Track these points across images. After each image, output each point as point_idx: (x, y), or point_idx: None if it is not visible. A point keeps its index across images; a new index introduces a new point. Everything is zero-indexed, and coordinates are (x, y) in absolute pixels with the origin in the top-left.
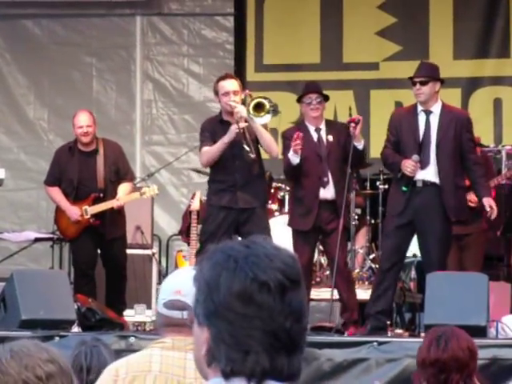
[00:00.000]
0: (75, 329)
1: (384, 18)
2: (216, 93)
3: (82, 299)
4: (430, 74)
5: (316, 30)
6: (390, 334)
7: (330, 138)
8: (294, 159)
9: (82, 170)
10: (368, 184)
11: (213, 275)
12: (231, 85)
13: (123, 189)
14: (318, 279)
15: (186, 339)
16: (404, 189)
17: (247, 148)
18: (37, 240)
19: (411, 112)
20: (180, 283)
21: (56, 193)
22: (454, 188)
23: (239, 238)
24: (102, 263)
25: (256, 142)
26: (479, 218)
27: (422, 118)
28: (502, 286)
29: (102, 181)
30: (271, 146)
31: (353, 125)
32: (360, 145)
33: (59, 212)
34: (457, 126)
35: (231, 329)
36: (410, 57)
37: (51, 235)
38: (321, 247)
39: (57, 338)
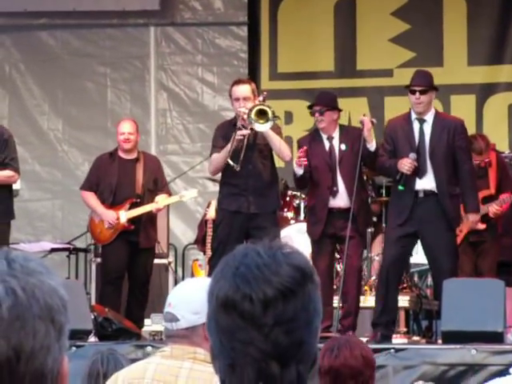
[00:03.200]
0: (92, 339)
1: (398, 25)
2: (230, 96)
3: (99, 309)
4: (429, 82)
5: (330, 38)
6: (406, 341)
7: (343, 146)
8: (298, 171)
9: (121, 176)
10: (384, 191)
11: (211, 284)
12: (242, 91)
13: (162, 196)
14: (334, 287)
15: (184, 348)
16: (400, 188)
17: (231, 162)
18: (53, 250)
19: (405, 120)
20: (171, 296)
21: (91, 198)
22: (448, 195)
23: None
24: (128, 274)
25: (268, 146)
26: (493, 225)
27: (416, 126)
28: None
29: (140, 187)
30: (283, 151)
31: (361, 126)
32: (371, 146)
33: (93, 217)
34: (449, 133)
35: (218, 341)
36: (424, 63)
37: (67, 245)
38: (337, 255)
39: (73, 348)
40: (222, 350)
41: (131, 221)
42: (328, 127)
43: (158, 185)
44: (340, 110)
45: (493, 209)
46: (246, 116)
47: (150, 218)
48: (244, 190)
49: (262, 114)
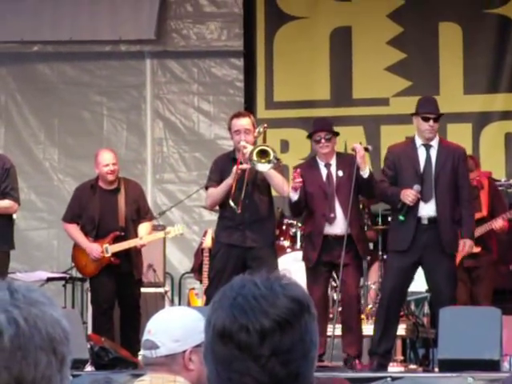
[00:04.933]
0: (88, 368)
1: (393, 54)
2: (229, 129)
3: (95, 338)
4: (439, 110)
5: (326, 67)
6: (403, 369)
7: (340, 173)
8: (293, 196)
9: (103, 208)
10: (380, 219)
11: (209, 313)
12: (243, 123)
13: (144, 228)
14: (330, 315)
15: (163, 377)
16: (401, 218)
17: (232, 204)
18: (49, 280)
19: (410, 146)
20: (151, 322)
21: (74, 230)
22: (451, 221)
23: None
24: (118, 303)
25: (266, 181)
26: (489, 250)
27: (422, 151)
28: None
29: (123, 219)
30: (281, 187)
31: (354, 153)
32: (365, 173)
33: (77, 249)
34: (454, 159)
35: (215, 370)
36: (420, 92)
37: (63, 275)
38: (333, 283)
39: (70, 378)
40: (218, 379)
41: (115, 254)
42: (329, 154)
43: (140, 213)
44: (338, 135)
45: (498, 223)
46: (247, 154)
47: (134, 248)
48: (240, 224)
49: (263, 154)
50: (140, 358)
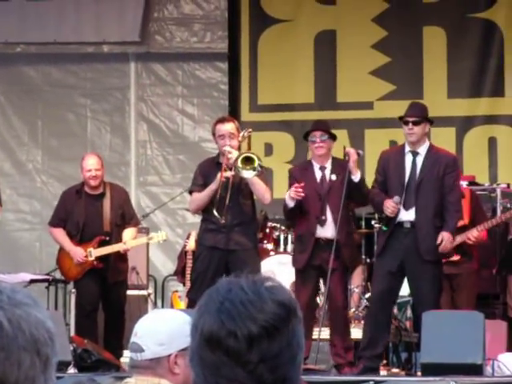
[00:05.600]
0: (71, 370)
1: (378, 58)
2: (213, 134)
3: (78, 340)
4: (422, 114)
5: (310, 70)
6: (386, 373)
7: (334, 177)
8: (289, 203)
9: (88, 213)
10: (363, 223)
11: (195, 318)
12: (227, 128)
13: (129, 233)
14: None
15: (148, 379)
16: (384, 228)
17: (216, 214)
18: (32, 281)
19: (399, 152)
20: (138, 325)
21: (60, 234)
22: (433, 228)
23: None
24: (102, 306)
25: (249, 187)
26: (470, 258)
27: (408, 158)
28: (498, 324)
29: (107, 224)
30: (263, 195)
31: (347, 158)
32: (356, 177)
33: (62, 253)
34: (440, 167)
35: (202, 375)
36: (404, 96)
37: (46, 276)
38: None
39: (54, 379)
40: None
41: (100, 259)
42: (325, 156)
43: (125, 218)
44: (335, 139)
45: (473, 234)
46: (232, 160)
47: (119, 253)
48: (223, 227)
49: (248, 161)
50: (122, 360)
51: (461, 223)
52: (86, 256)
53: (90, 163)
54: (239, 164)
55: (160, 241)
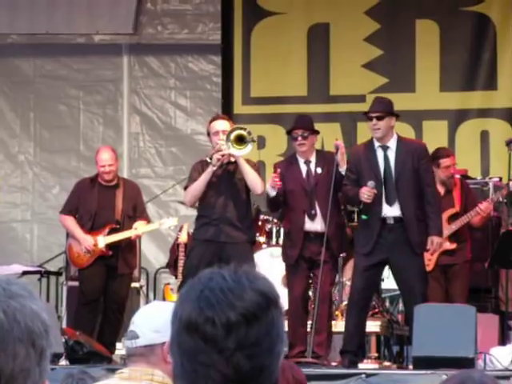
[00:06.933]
0: (63, 362)
1: (371, 51)
2: (208, 134)
3: (70, 332)
4: (385, 109)
5: (303, 63)
6: (377, 366)
7: (319, 170)
8: (271, 192)
9: (100, 201)
10: (355, 216)
11: (176, 305)
12: (221, 125)
13: (141, 223)
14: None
15: (142, 370)
16: (364, 217)
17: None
18: (24, 273)
19: (368, 148)
20: (136, 315)
21: (70, 222)
22: (416, 221)
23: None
24: (103, 298)
25: (243, 180)
26: (464, 248)
27: (380, 153)
28: (490, 318)
29: (119, 213)
30: (256, 184)
31: (335, 150)
32: (343, 170)
33: (71, 241)
34: (414, 157)
35: (180, 363)
36: (396, 89)
37: (39, 268)
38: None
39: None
40: (183, 371)
41: (110, 246)
42: (308, 151)
43: (136, 211)
44: (318, 133)
45: (483, 205)
46: (224, 138)
47: (129, 245)
48: (216, 219)
49: (239, 141)
50: (114, 354)
51: (452, 211)
52: (95, 244)
53: (103, 158)
54: (232, 138)
55: (171, 226)
